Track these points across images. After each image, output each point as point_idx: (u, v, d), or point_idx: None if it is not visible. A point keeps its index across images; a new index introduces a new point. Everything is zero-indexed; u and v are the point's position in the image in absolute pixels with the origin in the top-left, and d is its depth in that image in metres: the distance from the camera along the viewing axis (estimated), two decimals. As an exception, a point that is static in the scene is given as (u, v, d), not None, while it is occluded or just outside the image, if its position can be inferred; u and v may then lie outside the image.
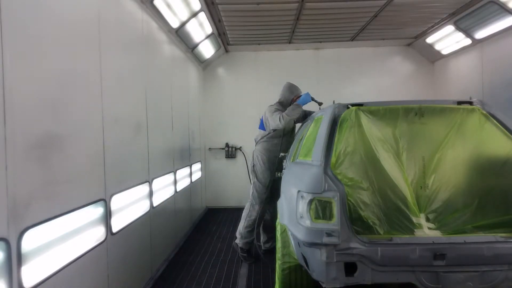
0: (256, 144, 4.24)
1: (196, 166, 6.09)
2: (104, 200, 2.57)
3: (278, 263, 2.83)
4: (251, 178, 4.16)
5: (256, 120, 6.83)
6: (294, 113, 3.85)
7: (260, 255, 4.10)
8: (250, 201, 4.11)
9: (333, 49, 6.79)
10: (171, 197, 4.37)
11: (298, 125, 4.28)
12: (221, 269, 3.89)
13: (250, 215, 4.06)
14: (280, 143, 4.08)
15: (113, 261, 2.69)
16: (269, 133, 4.07)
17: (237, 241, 4.14)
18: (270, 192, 4.10)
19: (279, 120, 3.82)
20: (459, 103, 2.58)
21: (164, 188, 4.13)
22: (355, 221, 2.19)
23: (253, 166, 4.17)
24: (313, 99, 4.03)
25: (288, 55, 6.83)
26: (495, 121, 2.43)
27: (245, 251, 4.07)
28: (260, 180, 4.08)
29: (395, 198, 2.25)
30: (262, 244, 4.31)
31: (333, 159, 2.30)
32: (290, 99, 4.13)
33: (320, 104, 4.06)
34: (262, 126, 4.20)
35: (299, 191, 2.23)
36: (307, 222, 2.13)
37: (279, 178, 3.86)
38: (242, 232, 4.09)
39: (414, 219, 2.22)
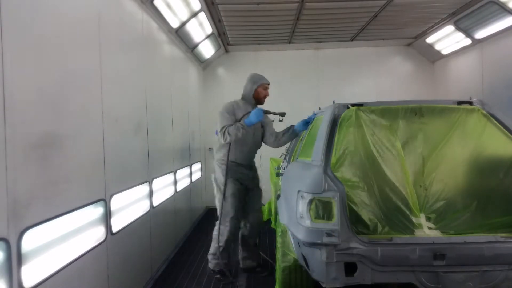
0: (215, 152, 3.66)
1: (196, 166, 6.09)
2: (104, 200, 2.57)
3: (278, 263, 2.83)
4: (215, 193, 3.61)
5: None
6: (238, 133, 3.28)
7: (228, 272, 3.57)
8: (219, 219, 3.51)
9: (333, 49, 6.79)
10: (171, 197, 4.37)
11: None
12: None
13: (222, 234, 3.47)
14: (242, 150, 3.54)
15: (113, 261, 2.69)
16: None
17: (209, 264, 3.63)
18: (244, 203, 3.62)
19: (224, 137, 3.33)
20: (459, 103, 2.58)
21: (164, 188, 4.13)
22: (355, 221, 2.19)
23: (215, 179, 3.59)
24: (269, 113, 3.49)
25: (288, 55, 6.83)
26: (495, 121, 2.43)
27: (217, 272, 3.57)
28: (224, 194, 3.47)
29: (395, 198, 2.25)
30: (240, 260, 3.76)
31: (333, 159, 2.30)
32: (253, 91, 3.53)
33: (282, 115, 3.53)
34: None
35: (299, 191, 2.23)
36: (307, 222, 2.13)
37: (253, 189, 3.68)
38: (213, 253, 3.57)
39: (414, 219, 2.22)
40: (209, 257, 3.63)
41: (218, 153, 3.60)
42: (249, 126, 3.33)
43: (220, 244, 3.48)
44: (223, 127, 3.35)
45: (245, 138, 3.47)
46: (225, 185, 3.46)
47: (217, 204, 3.58)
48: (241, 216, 3.62)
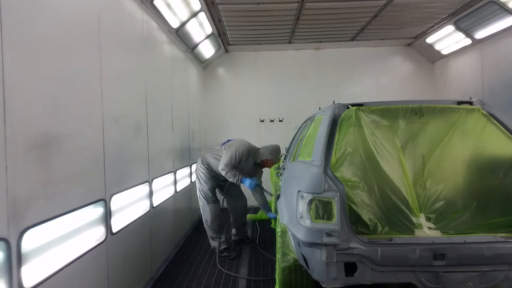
0: (206, 152, 4.40)
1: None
2: (104, 200, 2.57)
3: (278, 263, 2.83)
4: (196, 184, 4.44)
5: (256, 119, 6.86)
6: (232, 181, 4.11)
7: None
8: (201, 206, 4.38)
9: (333, 49, 6.79)
10: (171, 197, 4.37)
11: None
12: (221, 269, 3.89)
13: (206, 217, 4.32)
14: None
15: (113, 261, 2.69)
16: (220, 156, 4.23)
17: (216, 250, 4.30)
18: (227, 192, 4.45)
19: (224, 172, 4.06)
20: (459, 103, 2.58)
21: (164, 188, 4.13)
22: (355, 221, 2.19)
23: (196, 171, 4.44)
24: (260, 187, 4.38)
25: (288, 55, 6.83)
26: (495, 121, 2.42)
27: (224, 250, 4.27)
28: (204, 186, 4.30)
29: (395, 198, 2.25)
30: (232, 236, 4.78)
31: (333, 159, 2.30)
32: (265, 157, 4.32)
33: (270, 194, 4.53)
34: (224, 144, 4.37)
35: (299, 191, 2.23)
36: (307, 222, 2.13)
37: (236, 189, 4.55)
38: (210, 236, 4.39)
39: (414, 219, 2.22)
40: (212, 243, 4.41)
41: (212, 157, 4.28)
42: (243, 183, 4.16)
43: (209, 226, 4.32)
44: (226, 165, 4.04)
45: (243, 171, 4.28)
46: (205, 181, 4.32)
47: (198, 193, 4.39)
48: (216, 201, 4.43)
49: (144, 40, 3.56)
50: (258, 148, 4.40)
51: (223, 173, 4.07)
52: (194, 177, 4.45)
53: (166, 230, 4.20)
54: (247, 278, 3.64)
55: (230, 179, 4.08)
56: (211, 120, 6.89)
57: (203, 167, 4.31)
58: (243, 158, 4.16)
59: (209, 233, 4.38)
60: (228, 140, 4.42)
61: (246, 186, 4.14)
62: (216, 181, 4.36)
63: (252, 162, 4.31)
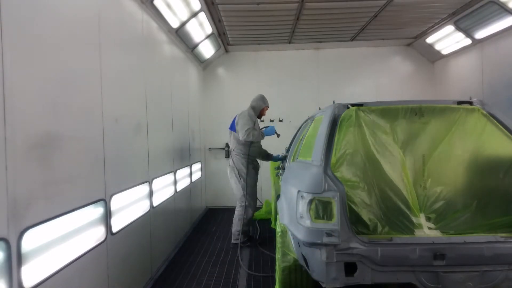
0: (234, 148, 4.68)
1: (196, 166, 6.09)
2: (104, 200, 2.57)
3: (278, 263, 2.83)
4: (237, 182, 4.61)
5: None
6: (258, 138, 4.53)
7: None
8: (242, 203, 4.58)
9: (333, 49, 6.79)
10: (171, 197, 4.37)
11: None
12: (221, 269, 3.89)
13: (247, 214, 4.56)
14: (254, 145, 4.66)
15: (113, 261, 2.69)
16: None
17: (237, 241, 4.50)
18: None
19: (247, 136, 4.40)
20: (459, 103, 2.58)
21: (164, 188, 4.13)
22: (355, 221, 2.19)
23: (238, 170, 4.59)
24: (275, 133, 4.80)
25: (288, 55, 6.84)
26: (495, 121, 2.43)
27: (246, 242, 4.60)
28: (250, 182, 4.57)
29: (395, 198, 2.25)
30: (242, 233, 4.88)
31: (333, 159, 2.30)
32: (261, 108, 4.76)
33: (278, 135, 4.82)
34: (233, 127, 4.68)
35: (299, 191, 2.23)
36: (307, 222, 2.13)
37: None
38: (240, 230, 4.54)
39: (414, 219, 2.22)
40: (237, 235, 4.57)
41: (241, 147, 4.59)
42: (265, 135, 4.68)
43: (244, 222, 4.55)
44: (248, 128, 4.41)
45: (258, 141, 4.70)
46: (247, 174, 4.55)
47: (241, 190, 4.57)
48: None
49: (144, 40, 3.56)
50: (251, 107, 4.71)
51: (248, 138, 4.37)
52: (232, 182, 4.68)
53: (166, 230, 4.20)
54: (249, 272, 3.65)
55: (258, 138, 4.47)
56: (211, 120, 6.89)
57: (240, 158, 4.55)
58: (255, 119, 4.59)
59: (242, 228, 4.53)
60: (232, 123, 4.67)
61: (270, 134, 4.66)
62: (255, 172, 4.67)
63: (256, 120, 4.67)
